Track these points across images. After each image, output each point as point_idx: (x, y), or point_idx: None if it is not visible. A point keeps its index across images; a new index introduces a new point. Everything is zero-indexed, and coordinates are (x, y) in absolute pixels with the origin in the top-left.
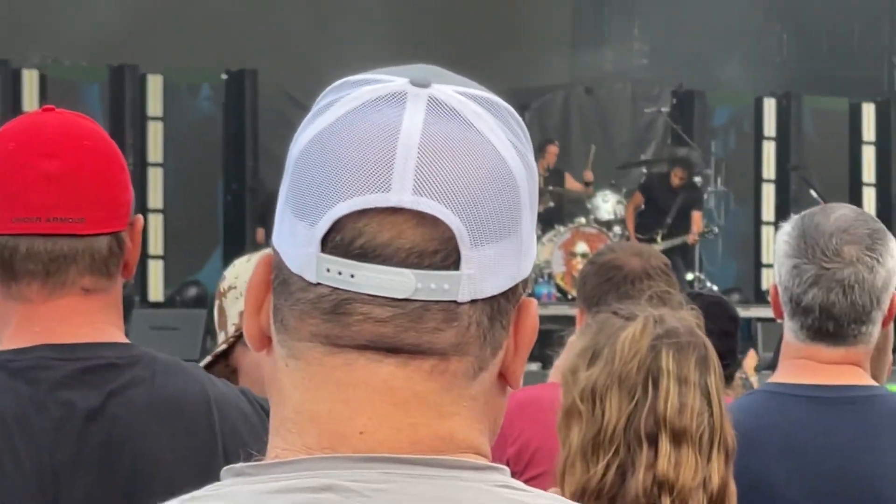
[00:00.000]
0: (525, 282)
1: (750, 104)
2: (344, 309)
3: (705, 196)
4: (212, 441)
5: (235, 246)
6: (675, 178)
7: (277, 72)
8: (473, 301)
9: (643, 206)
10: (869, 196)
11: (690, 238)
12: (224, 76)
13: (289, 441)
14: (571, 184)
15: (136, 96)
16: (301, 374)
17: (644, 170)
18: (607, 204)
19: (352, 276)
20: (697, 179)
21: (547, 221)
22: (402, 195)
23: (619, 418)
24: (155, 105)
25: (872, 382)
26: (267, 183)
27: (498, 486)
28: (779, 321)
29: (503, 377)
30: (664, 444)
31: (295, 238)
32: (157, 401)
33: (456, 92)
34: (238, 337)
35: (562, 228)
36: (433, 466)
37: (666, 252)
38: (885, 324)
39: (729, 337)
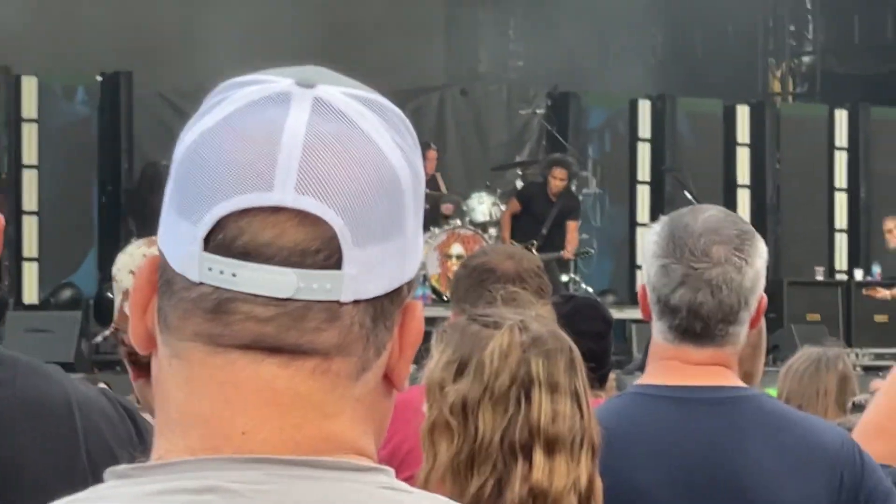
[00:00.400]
0: (410, 284)
1: (625, 106)
2: (226, 308)
3: (581, 198)
4: (74, 442)
5: (110, 248)
6: (556, 181)
7: (152, 74)
8: (356, 301)
9: (519, 213)
10: (743, 198)
11: (565, 254)
12: (99, 78)
13: (172, 442)
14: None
15: (11, 98)
16: (184, 374)
17: (519, 171)
18: (483, 206)
19: (233, 275)
20: (575, 186)
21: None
22: (284, 194)
23: (493, 432)
24: (29, 107)
25: (740, 383)
26: (142, 185)
27: (381, 488)
28: (647, 322)
29: (388, 379)
30: (538, 455)
31: (178, 237)
32: (20, 402)
33: (342, 93)
34: (115, 332)
35: (437, 230)
36: (315, 468)
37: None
38: (753, 324)
39: (602, 339)
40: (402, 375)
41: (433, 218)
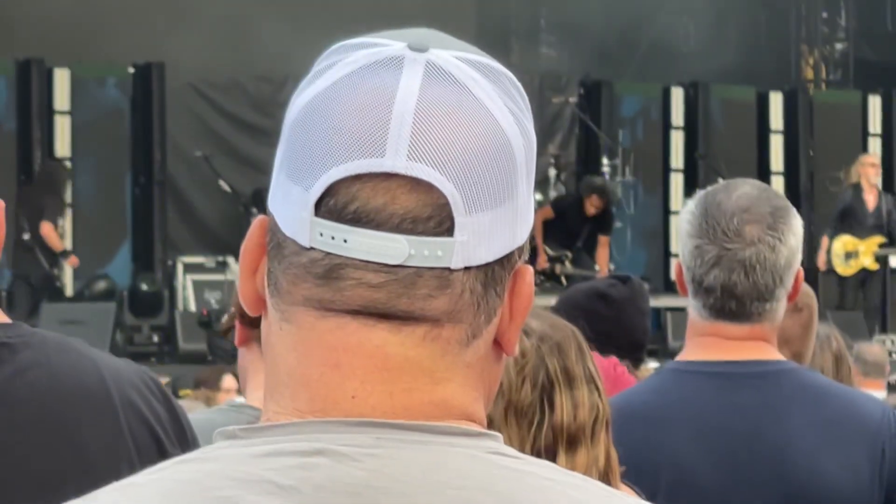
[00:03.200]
0: (521, 249)
1: (658, 94)
2: (337, 274)
3: (614, 185)
4: (115, 417)
5: (144, 240)
6: (591, 207)
7: (184, 65)
8: (467, 268)
9: (552, 220)
10: (777, 184)
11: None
12: (131, 69)
13: (281, 405)
14: None
15: (43, 90)
16: (293, 337)
17: (552, 159)
18: None
19: (345, 240)
20: (608, 177)
21: None
22: (396, 160)
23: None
24: (62, 99)
25: (779, 356)
26: (175, 176)
27: (489, 453)
28: (683, 297)
29: (498, 344)
30: (562, 456)
31: (289, 201)
32: (56, 382)
33: (454, 57)
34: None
35: None
36: (425, 432)
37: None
38: (790, 298)
39: (647, 316)
40: (512, 341)
41: None
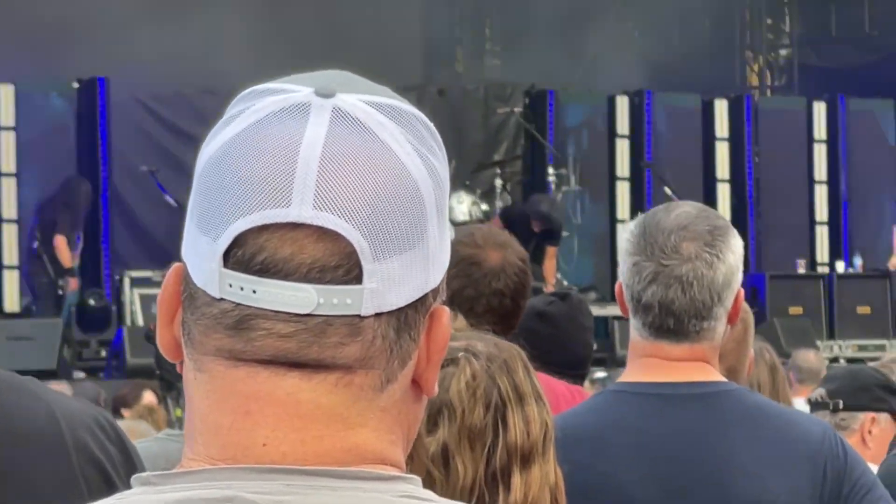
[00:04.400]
0: (435, 291)
1: (602, 103)
2: (247, 324)
3: (560, 197)
4: (66, 458)
5: (91, 254)
6: (535, 226)
7: (129, 79)
8: (378, 314)
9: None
10: (724, 192)
11: (547, 289)
12: (76, 84)
13: (196, 451)
14: None
15: None
16: (207, 386)
17: (498, 170)
18: (462, 205)
19: (253, 291)
20: (554, 185)
21: None
22: (301, 210)
23: (475, 471)
24: (7, 115)
25: (720, 377)
26: (121, 190)
27: (402, 497)
28: (626, 318)
29: (417, 385)
30: (516, 475)
31: (198, 252)
32: (5, 422)
33: (361, 101)
34: None
35: None
36: (336, 478)
37: None
38: (731, 320)
39: (589, 331)
40: (430, 381)
41: None
